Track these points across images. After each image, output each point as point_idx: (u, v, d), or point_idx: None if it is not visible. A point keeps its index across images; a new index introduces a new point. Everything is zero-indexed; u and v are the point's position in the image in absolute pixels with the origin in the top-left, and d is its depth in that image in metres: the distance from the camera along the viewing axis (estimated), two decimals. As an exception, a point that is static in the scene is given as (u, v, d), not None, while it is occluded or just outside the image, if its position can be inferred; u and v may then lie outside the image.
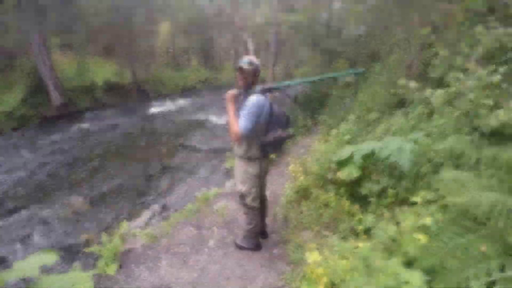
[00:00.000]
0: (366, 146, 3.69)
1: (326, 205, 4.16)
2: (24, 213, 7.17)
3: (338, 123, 6.81)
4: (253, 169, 3.28)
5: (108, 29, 22.67)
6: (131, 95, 22.00)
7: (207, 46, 35.06)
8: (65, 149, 11.61)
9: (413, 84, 4.79)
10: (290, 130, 3.30)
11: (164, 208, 7.03)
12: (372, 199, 3.63)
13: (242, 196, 3.45)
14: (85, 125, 15.00)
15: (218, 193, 6.11)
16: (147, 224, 6.36)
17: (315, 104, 11.27)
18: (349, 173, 3.74)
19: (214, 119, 16.04)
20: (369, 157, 3.64)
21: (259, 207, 3.59)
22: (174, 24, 31.74)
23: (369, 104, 7.22)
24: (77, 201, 7.67)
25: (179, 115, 17.29)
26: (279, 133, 3.11)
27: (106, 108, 18.96)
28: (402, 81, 4.88)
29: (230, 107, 3.00)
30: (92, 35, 25.02)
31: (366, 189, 3.73)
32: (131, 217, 6.84)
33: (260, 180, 3.44)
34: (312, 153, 5.32)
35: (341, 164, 3.93)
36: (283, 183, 5.78)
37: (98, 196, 7.94)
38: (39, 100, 16.44)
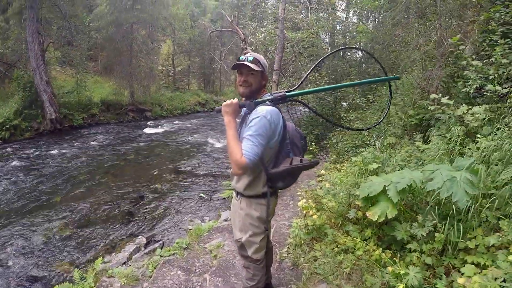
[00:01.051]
0: (402, 178, 2.87)
1: (346, 250, 3.32)
2: (-4, 235, 6.44)
3: (350, 148, 6.00)
4: (258, 211, 2.34)
5: (108, 45, 22.52)
6: (127, 114, 21.63)
7: (208, 70, 35.00)
8: (53, 165, 11.15)
9: (445, 100, 4.05)
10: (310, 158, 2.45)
11: (151, 241, 6.16)
12: (412, 245, 2.80)
13: (242, 247, 2.51)
14: (77, 142, 14.65)
15: (213, 227, 5.24)
16: (129, 258, 5.51)
17: (320, 127, 10.42)
18: (382, 213, 2.87)
19: (211, 142, 15.35)
20: (406, 191, 2.82)
21: (264, 260, 2.58)
22: (175, 44, 31.64)
23: (383, 127, 6.48)
24: (58, 224, 6.96)
25: (176, 138, 16.63)
26: (296, 160, 2.22)
27: (101, 126, 18.76)
28: (434, 96, 4.14)
29: (230, 124, 2.09)
30: (93, 51, 24.98)
31: (403, 232, 2.90)
32: (113, 248, 6.12)
33: (267, 225, 2.45)
34: (325, 184, 4.46)
35: (368, 200, 3.08)
36: (288, 218, 4.94)
37: (81, 220, 7.17)
38: (33, 113, 16.33)
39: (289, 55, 12.48)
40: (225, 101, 2.18)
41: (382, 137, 4.98)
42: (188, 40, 32.35)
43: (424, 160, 4.20)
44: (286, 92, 2.24)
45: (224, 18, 26.24)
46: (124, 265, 5.32)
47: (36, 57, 16.40)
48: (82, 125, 18.45)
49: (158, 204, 7.94)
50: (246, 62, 2.18)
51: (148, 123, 20.72)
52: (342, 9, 17.71)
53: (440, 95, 4.12)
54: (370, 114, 8.32)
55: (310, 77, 10.28)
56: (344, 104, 10.73)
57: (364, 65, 15.56)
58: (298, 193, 4.74)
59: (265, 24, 13.29)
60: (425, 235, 2.66)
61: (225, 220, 5.90)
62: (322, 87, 2.62)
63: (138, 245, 5.92)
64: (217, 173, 10.43)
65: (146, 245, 5.98)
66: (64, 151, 13.07)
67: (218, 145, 14.61)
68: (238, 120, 2.22)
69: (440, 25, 5.53)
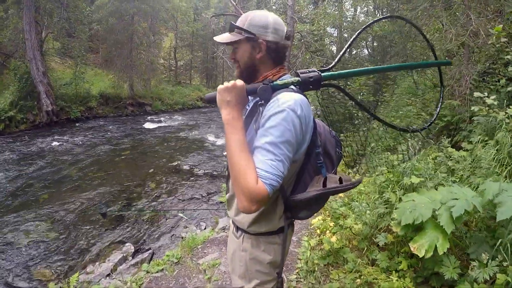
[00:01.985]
0: (454, 199, 2.20)
1: (371, 283, 2.66)
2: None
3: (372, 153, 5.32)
4: (270, 254, 1.55)
5: (109, 37, 22.06)
6: (127, 108, 21.07)
7: (210, 64, 34.51)
8: (45, 160, 10.64)
9: (491, 100, 3.39)
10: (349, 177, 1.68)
11: (140, 249, 5.54)
12: (461, 287, 2.15)
13: None
14: (73, 136, 14.15)
15: (208, 238, 4.59)
16: (114, 270, 4.94)
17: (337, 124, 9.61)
18: (430, 246, 2.18)
19: (212, 139, 14.69)
20: (462, 218, 2.15)
21: None
22: (177, 37, 31.13)
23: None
24: (42, 225, 6.41)
25: (175, 133, 15.98)
26: (332, 180, 1.41)
27: (98, 120, 18.25)
28: (478, 94, 3.48)
29: (233, 123, 1.28)
30: (94, 43, 24.47)
31: (451, 270, 2.24)
32: (97, 256, 5.53)
33: (281, 270, 1.60)
34: (345, 200, 3.76)
35: (409, 227, 2.38)
36: (296, 231, 4.24)
37: (67, 221, 6.58)
38: (29, 105, 15.92)
39: (296, 49, 11.83)
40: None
41: (419, 142, 4.24)
42: (190, 34, 31.71)
43: (459, 172, 3.54)
44: (320, 71, 1.41)
45: (228, 11, 25.53)
46: (107, 278, 4.75)
47: (33, 47, 15.98)
48: (79, 118, 17.87)
49: (151, 206, 7.30)
50: (217, 38, 1.47)
51: (148, 117, 20.12)
52: (348, 7, 17.13)
53: (486, 93, 3.45)
54: (391, 109, 7.48)
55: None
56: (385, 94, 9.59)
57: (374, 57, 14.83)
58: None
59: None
60: (488, 278, 2.00)
61: (223, 229, 5.26)
62: (366, 68, 1.86)
63: (125, 254, 5.30)
64: (216, 173, 9.78)
65: (134, 254, 5.36)
66: (58, 144, 12.52)
67: (219, 142, 13.94)
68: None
69: (473, 15, 4.84)
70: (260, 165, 1.17)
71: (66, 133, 14.53)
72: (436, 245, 2.18)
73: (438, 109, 2.04)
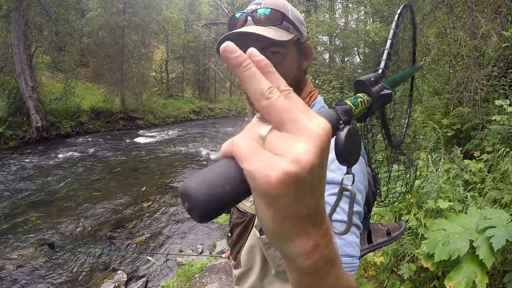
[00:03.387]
0: (490, 226, 1.89)
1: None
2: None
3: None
4: None
5: (100, 51, 21.85)
6: (118, 123, 20.72)
7: (202, 77, 34.41)
8: (34, 177, 10.23)
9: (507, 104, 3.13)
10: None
11: (133, 277, 5.15)
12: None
13: None
14: (63, 152, 13.64)
15: (206, 265, 4.23)
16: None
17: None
18: (467, 283, 1.86)
19: (205, 153, 14.25)
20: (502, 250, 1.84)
21: None
22: (169, 50, 31.00)
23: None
24: (30, 249, 6.00)
25: (168, 148, 15.55)
26: (378, 233, 1.06)
27: (90, 135, 17.86)
28: (499, 102, 3.19)
29: (322, 264, 0.43)
30: (85, 57, 24.22)
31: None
32: (87, 284, 5.10)
33: None
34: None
35: (441, 263, 2.05)
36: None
37: (56, 244, 6.07)
38: (18, 121, 15.54)
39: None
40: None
41: (439, 158, 3.88)
42: (182, 46, 31.50)
43: (480, 185, 3.25)
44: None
45: (218, 24, 25.44)
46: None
47: (22, 61, 15.62)
48: (70, 133, 17.46)
49: (143, 227, 6.91)
50: (252, 29, 0.85)
51: (139, 132, 19.70)
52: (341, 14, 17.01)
53: (508, 101, 3.17)
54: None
55: (317, 82, 9.26)
56: None
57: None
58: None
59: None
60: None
61: (221, 252, 4.91)
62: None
63: (117, 284, 4.91)
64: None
65: (126, 283, 4.97)
66: (48, 162, 12.12)
67: (212, 156, 13.56)
68: None
69: (480, 19, 4.60)
70: (349, 250, 0.74)
71: (56, 150, 14.08)
72: (474, 281, 1.86)
73: (406, 121, 1.51)
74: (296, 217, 0.36)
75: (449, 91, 5.14)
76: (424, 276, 2.46)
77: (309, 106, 0.90)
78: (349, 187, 0.47)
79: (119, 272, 5.20)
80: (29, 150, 13.85)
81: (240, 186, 0.33)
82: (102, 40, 21.76)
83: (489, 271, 2.33)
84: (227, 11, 11.75)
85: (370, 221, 1.14)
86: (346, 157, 0.44)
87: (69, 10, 19.14)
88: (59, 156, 13.05)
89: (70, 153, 13.49)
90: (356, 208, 0.75)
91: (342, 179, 0.49)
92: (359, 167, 0.79)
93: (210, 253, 5.15)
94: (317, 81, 9.48)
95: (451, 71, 5.40)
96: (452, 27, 4.96)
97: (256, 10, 0.89)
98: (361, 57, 18.86)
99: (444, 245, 1.97)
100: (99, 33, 21.76)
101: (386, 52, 0.77)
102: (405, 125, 1.38)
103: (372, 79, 0.65)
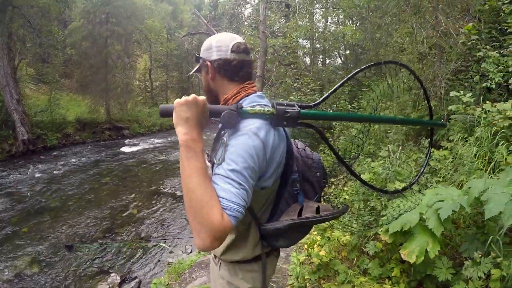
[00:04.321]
0: (440, 201, 2.17)
1: (365, 293, 2.59)
2: None
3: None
4: (248, 282, 1.44)
5: (83, 61, 21.82)
6: (104, 133, 20.69)
7: (186, 84, 34.48)
8: (22, 190, 10.24)
9: (468, 97, 3.43)
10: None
11: (126, 279, 5.33)
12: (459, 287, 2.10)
13: None
14: (50, 165, 13.65)
15: (195, 262, 4.45)
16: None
17: (308, 138, 9.57)
18: (420, 251, 2.13)
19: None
20: (450, 220, 2.11)
21: None
22: (152, 58, 31.06)
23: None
24: (25, 258, 6.12)
25: (154, 156, 15.71)
26: (309, 209, 1.32)
27: (76, 146, 17.82)
28: (454, 93, 3.51)
29: (191, 146, 1.09)
30: (69, 68, 24.11)
31: (445, 271, 2.19)
32: None
33: None
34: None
35: (397, 234, 2.32)
36: (285, 249, 4.14)
37: (50, 253, 6.32)
38: (4, 134, 15.39)
39: (270, 63, 11.88)
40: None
41: (398, 145, 4.19)
42: (165, 54, 31.62)
43: (442, 171, 3.54)
44: (299, 107, 1.24)
45: (201, 29, 25.62)
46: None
47: (6, 74, 15.49)
48: (56, 145, 17.29)
49: (134, 232, 7.09)
50: (210, 52, 1.39)
51: (126, 141, 19.74)
52: (319, 18, 17.36)
53: (462, 92, 3.48)
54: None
55: (295, 85, 9.58)
56: None
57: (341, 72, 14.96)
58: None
59: (244, 31, 12.67)
60: (484, 276, 1.96)
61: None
62: (356, 115, 1.76)
63: (110, 285, 5.10)
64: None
65: (120, 284, 5.16)
66: (36, 174, 12.11)
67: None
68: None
69: (442, 17, 4.94)
70: (224, 194, 1.03)
71: (43, 162, 14.07)
72: (426, 249, 2.13)
73: (423, 168, 1.91)
74: (183, 117, 1.10)
75: (418, 87, 5.46)
76: (386, 250, 2.74)
77: (237, 102, 1.29)
78: (225, 139, 1.13)
79: (112, 274, 5.38)
80: (16, 164, 13.78)
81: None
82: (86, 50, 21.68)
83: (449, 243, 2.62)
84: (206, 21, 11.99)
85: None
86: (224, 124, 1.14)
87: (52, 21, 19.11)
88: (47, 168, 13.05)
89: (57, 165, 13.51)
90: (233, 166, 1.07)
91: (224, 135, 1.16)
92: (253, 146, 1.12)
93: (198, 251, 5.34)
94: (295, 84, 9.75)
95: (420, 67, 5.72)
96: (421, 27, 5.29)
97: (213, 41, 1.40)
98: (342, 59, 19.34)
99: (397, 219, 2.24)
100: (82, 43, 21.66)
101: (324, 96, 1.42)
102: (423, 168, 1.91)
103: (286, 104, 1.23)
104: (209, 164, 1.29)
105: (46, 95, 19.30)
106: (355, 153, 1.77)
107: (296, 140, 1.56)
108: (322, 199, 1.60)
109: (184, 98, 1.12)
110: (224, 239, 1.03)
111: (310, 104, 1.32)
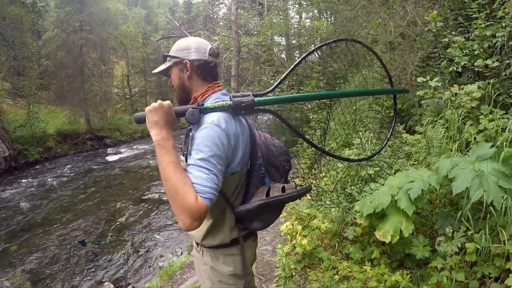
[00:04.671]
0: (410, 182, 2.28)
1: (348, 277, 2.69)
2: None
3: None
4: (229, 266, 1.57)
5: (59, 72, 21.45)
6: (86, 144, 20.43)
7: (165, 88, 34.18)
8: (7, 208, 10.05)
9: (434, 82, 3.58)
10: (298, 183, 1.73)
11: (119, 286, 5.34)
12: (436, 262, 2.21)
13: None
14: (34, 180, 13.36)
15: (185, 263, 4.50)
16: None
17: (288, 134, 9.58)
18: (395, 231, 2.25)
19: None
20: (422, 198, 2.23)
21: None
22: (129, 64, 30.71)
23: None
24: (17, 276, 6.08)
25: (138, 163, 15.65)
26: (275, 189, 1.48)
27: (58, 159, 17.52)
28: (421, 79, 3.66)
29: (163, 143, 1.28)
30: (45, 80, 23.67)
31: (421, 248, 2.30)
32: None
33: (248, 279, 1.64)
34: (311, 199, 3.76)
35: (373, 216, 2.44)
36: (270, 241, 4.24)
37: (41, 268, 6.29)
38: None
39: (246, 62, 11.94)
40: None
41: (369, 133, 4.33)
42: (141, 60, 31.34)
43: (418, 154, 3.68)
44: (253, 96, 1.40)
45: (172, 38, 25.52)
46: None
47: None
48: (38, 160, 16.95)
49: (123, 240, 7.08)
50: (154, 70, 1.66)
51: (108, 150, 19.51)
52: (293, 15, 17.44)
53: (428, 77, 3.62)
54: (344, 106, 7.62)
55: (272, 82, 9.66)
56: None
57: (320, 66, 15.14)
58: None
59: (218, 31, 12.68)
60: (458, 250, 2.08)
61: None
62: (309, 94, 1.91)
63: (104, 291, 5.11)
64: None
65: (113, 291, 5.17)
66: (20, 190, 11.91)
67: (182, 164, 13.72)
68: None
69: (409, 6, 5.09)
70: (196, 180, 1.20)
71: (27, 178, 13.81)
72: (400, 229, 2.24)
73: (389, 134, 2.10)
74: (152, 121, 1.29)
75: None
76: (365, 234, 2.85)
77: (204, 100, 1.48)
78: (191, 134, 1.35)
79: (105, 284, 5.39)
80: None
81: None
82: (61, 60, 21.31)
83: (426, 223, 2.73)
84: (178, 24, 11.97)
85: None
86: (189, 121, 1.34)
87: (25, 32, 18.70)
88: (31, 183, 12.81)
89: (41, 179, 13.30)
90: (201, 155, 1.24)
91: (191, 131, 1.38)
92: (216, 136, 1.28)
93: (188, 253, 5.40)
94: (271, 81, 9.82)
95: (392, 57, 5.87)
96: (389, 18, 5.43)
97: (180, 44, 1.56)
98: (318, 54, 19.52)
99: (371, 203, 2.35)
100: (57, 53, 21.30)
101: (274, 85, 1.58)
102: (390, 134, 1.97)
103: (242, 95, 1.39)
104: (182, 157, 1.48)
105: (24, 109, 18.85)
106: (323, 131, 1.90)
107: (261, 132, 1.70)
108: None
109: (152, 104, 1.32)
110: (203, 220, 1.20)
111: (264, 92, 1.49)
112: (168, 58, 1.56)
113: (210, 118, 1.32)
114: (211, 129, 1.28)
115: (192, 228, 1.17)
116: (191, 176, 1.21)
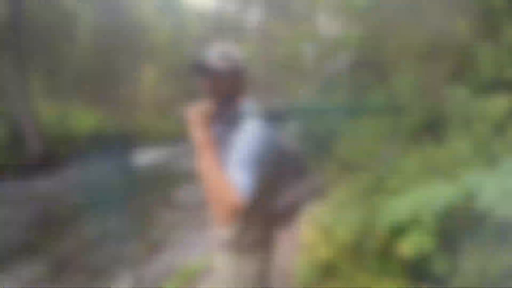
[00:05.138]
0: (434, 196, 2.23)
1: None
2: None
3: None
4: (251, 266, 1.57)
5: (93, 73, 22.03)
6: (116, 144, 20.78)
7: (196, 92, 34.45)
8: (35, 204, 10.08)
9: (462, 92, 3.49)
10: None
11: (138, 282, 5.40)
12: (455, 281, 2.14)
13: None
14: (62, 178, 13.84)
15: (203, 267, 4.51)
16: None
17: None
18: (417, 244, 2.19)
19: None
20: (444, 214, 2.17)
21: None
22: (161, 69, 31.16)
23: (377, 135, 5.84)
24: (34, 272, 5.94)
25: (165, 166, 15.85)
26: (300, 191, 1.56)
27: (88, 159, 17.66)
28: (453, 90, 3.59)
29: (205, 142, 1.36)
30: (77, 81, 24.40)
31: (440, 264, 2.24)
32: None
33: (266, 282, 1.66)
34: (333, 209, 3.69)
35: (396, 230, 2.38)
36: (290, 248, 4.18)
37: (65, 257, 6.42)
38: (16, 148, 15.51)
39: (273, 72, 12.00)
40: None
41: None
42: (173, 64, 31.79)
43: (444, 168, 3.58)
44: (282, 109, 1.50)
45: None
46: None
47: (19, 88, 15.81)
48: (69, 158, 17.03)
49: (146, 240, 7.16)
50: (208, 61, 1.52)
51: (138, 152, 19.69)
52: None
53: (457, 88, 3.54)
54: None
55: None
56: None
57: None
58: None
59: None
60: (480, 268, 2.01)
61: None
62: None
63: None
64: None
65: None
66: (45, 189, 12.11)
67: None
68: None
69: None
70: (235, 180, 1.28)
71: (54, 175, 14.16)
72: (422, 244, 2.19)
73: None
74: (195, 122, 1.41)
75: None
76: (386, 246, 2.79)
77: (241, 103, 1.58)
78: (232, 137, 1.42)
79: (124, 279, 5.46)
80: (26, 178, 13.57)
81: None
82: (95, 64, 22.04)
83: (446, 238, 2.65)
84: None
85: None
86: (230, 124, 1.46)
87: (60, 35, 19.38)
88: (59, 181, 13.29)
89: (69, 178, 13.73)
90: (242, 157, 1.34)
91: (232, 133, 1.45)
92: (261, 144, 1.39)
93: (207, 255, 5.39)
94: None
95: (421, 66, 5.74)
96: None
97: (211, 52, 1.58)
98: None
99: (392, 215, 2.32)
100: (92, 57, 22.01)
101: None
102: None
103: (277, 104, 1.48)
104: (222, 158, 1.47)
105: (56, 107, 19.51)
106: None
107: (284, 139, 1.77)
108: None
109: (190, 107, 1.46)
110: (238, 216, 1.30)
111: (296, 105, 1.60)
112: (229, 62, 1.55)
113: (255, 129, 1.44)
114: (255, 136, 1.41)
115: (228, 222, 1.37)
116: (231, 175, 1.30)
